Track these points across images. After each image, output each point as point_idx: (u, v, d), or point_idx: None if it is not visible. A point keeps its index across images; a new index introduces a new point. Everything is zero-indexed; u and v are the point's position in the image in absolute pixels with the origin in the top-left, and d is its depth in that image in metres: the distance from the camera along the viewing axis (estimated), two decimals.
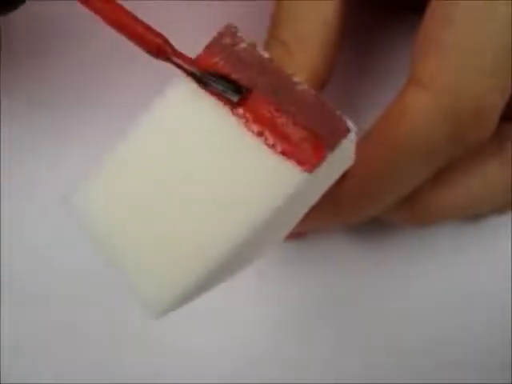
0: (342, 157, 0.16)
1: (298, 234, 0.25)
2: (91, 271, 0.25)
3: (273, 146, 0.14)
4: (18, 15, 0.19)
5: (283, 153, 0.14)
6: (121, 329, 0.25)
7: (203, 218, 0.15)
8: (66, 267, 0.25)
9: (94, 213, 0.15)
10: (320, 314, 0.25)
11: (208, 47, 0.15)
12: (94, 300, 0.25)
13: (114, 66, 0.26)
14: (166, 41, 0.15)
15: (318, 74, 0.19)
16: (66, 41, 0.26)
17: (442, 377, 0.25)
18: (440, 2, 0.18)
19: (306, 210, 0.18)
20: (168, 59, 0.15)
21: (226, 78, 0.15)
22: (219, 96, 0.15)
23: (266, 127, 0.15)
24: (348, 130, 0.14)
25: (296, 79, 0.15)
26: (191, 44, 0.16)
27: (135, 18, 0.15)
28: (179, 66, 0.15)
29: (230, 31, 0.15)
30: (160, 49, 0.15)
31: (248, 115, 0.15)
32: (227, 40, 0.15)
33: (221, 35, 0.15)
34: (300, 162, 0.14)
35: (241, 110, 0.15)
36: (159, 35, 0.15)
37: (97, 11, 0.15)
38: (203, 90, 0.15)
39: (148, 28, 0.15)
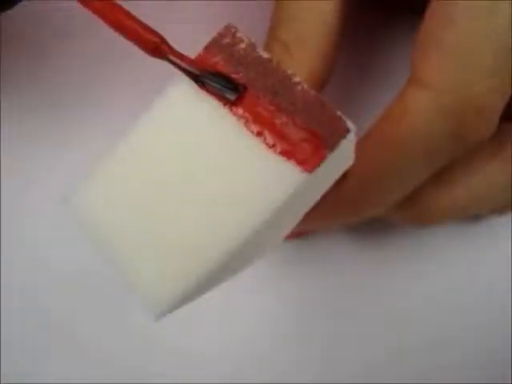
0: (342, 157, 0.16)
1: (298, 234, 0.25)
2: (91, 271, 0.25)
3: (273, 146, 0.14)
4: (17, 15, 0.19)
5: (283, 153, 0.14)
6: (121, 329, 0.25)
7: (203, 218, 0.15)
8: (65, 267, 0.25)
9: (93, 213, 0.15)
10: (320, 313, 0.25)
11: (208, 47, 0.15)
12: (94, 300, 0.25)
13: (113, 65, 0.26)
14: (164, 40, 0.15)
15: (317, 74, 0.19)
16: (65, 40, 0.26)
17: (442, 377, 0.25)
18: (440, 1, 0.18)
19: (306, 210, 0.18)
20: (165, 58, 0.15)
21: (223, 77, 0.15)
22: (217, 95, 0.15)
23: (266, 127, 0.15)
24: (348, 130, 0.14)
25: (296, 79, 0.15)
26: (191, 44, 0.16)
27: (133, 18, 0.15)
28: (176, 65, 0.15)
29: (229, 31, 0.15)
30: (157, 48, 0.15)
31: (248, 115, 0.15)
32: (227, 40, 0.15)
33: (220, 35, 0.15)
34: (300, 162, 0.14)
35: (240, 110, 0.15)
36: (157, 34, 0.15)
37: (95, 11, 0.15)
38: (202, 90, 0.15)
39: (146, 27, 0.15)
